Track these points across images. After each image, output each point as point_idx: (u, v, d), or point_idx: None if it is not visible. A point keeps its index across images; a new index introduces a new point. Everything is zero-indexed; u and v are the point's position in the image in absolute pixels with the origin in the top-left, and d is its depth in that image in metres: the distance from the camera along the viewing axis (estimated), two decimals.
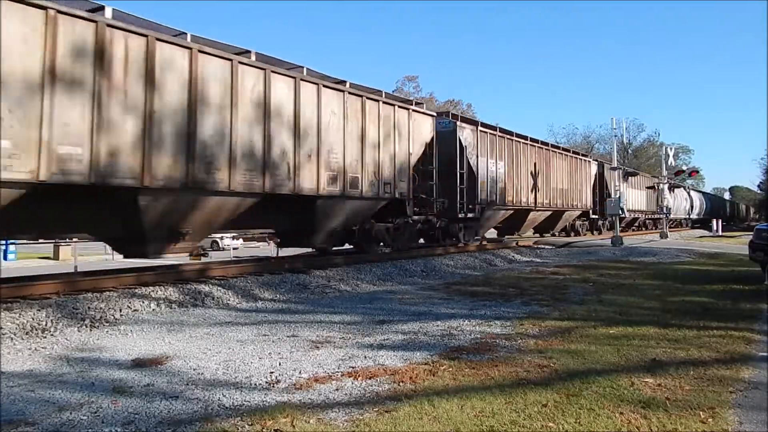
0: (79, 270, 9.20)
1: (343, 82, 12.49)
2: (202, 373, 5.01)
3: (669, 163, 36.59)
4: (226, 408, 4.12)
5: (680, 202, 45.19)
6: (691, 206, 50.13)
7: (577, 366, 5.27)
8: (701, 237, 37.12)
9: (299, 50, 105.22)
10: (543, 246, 22.35)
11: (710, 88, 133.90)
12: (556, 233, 26.44)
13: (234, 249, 27.84)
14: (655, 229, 38.76)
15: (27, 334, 6.41)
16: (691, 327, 7.02)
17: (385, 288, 11.12)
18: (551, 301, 9.18)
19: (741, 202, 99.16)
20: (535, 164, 21.51)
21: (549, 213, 23.51)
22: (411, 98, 16.07)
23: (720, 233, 42.35)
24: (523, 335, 6.62)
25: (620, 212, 24.53)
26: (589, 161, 28.62)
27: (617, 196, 25.78)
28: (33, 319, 6.79)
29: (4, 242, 21.82)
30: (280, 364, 5.34)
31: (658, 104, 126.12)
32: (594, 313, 8.10)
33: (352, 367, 5.19)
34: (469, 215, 17.14)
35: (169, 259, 10.78)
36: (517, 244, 21.53)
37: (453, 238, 17.57)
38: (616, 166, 28.91)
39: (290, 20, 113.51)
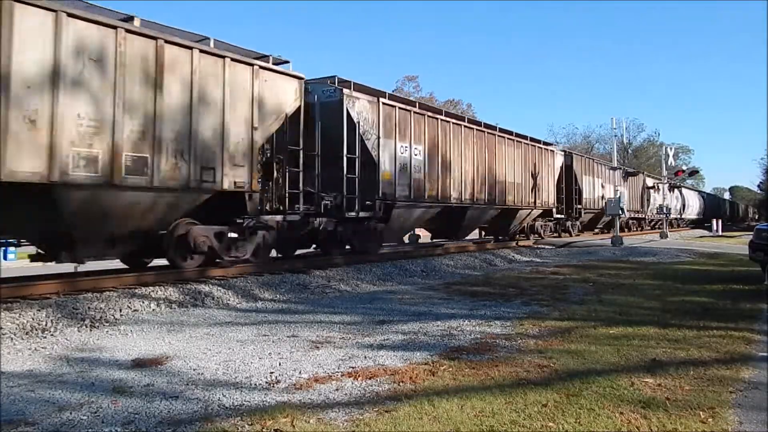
0: (79, 270, 9.18)
1: (130, 19, 8.67)
2: (202, 373, 5.01)
3: (669, 163, 36.57)
4: (226, 408, 4.12)
5: (669, 201, 40.93)
6: (684, 205, 47.91)
7: (577, 366, 5.27)
8: (701, 237, 37.10)
9: (299, 50, 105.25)
10: (543, 246, 22.35)
11: (710, 88, 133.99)
12: (517, 235, 22.71)
13: None
14: (640, 230, 37.12)
15: (27, 334, 6.41)
16: (691, 327, 7.03)
17: (385, 288, 11.12)
18: (551, 301, 9.18)
19: (741, 202, 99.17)
20: (475, 151, 17.63)
21: (496, 212, 19.45)
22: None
23: (720, 233, 42.34)
24: (523, 335, 6.62)
25: (620, 212, 24.50)
26: (553, 151, 24.21)
27: (617, 196, 25.74)
28: (33, 319, 6.79)
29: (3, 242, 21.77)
30: (280, 364, 5.34)
31: (658, 104, 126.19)
32: (594, 313, 8.10)
33: (352, 367, 5.19)
34: (364, 214, 13.26)
35: None
36: (517, 244, 21.49)
37: (347, 245, 13.74)
38: (616, 165, 28.86)
39: (290, 20, 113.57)
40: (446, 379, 4.83)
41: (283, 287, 10.09)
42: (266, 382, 4.75)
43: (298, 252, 13.91)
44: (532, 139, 22.14)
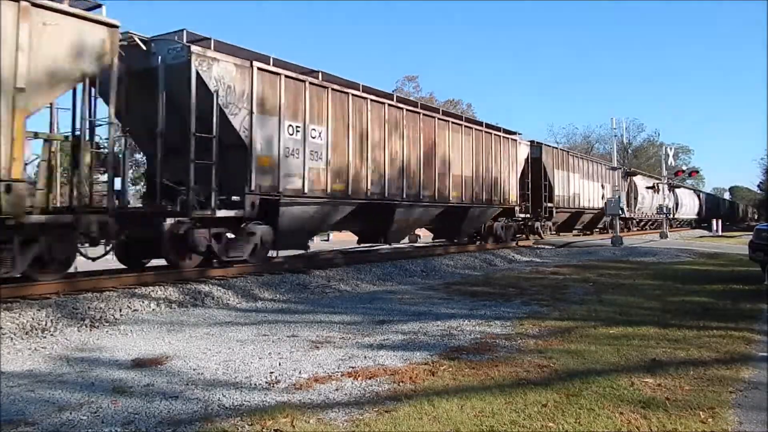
0: (79, 270, 9.17)
1: None
2: (202, 373, 5.01)
3: (669, 163, 36.57)
4: (226, 408, 4.12)
5: (660, 200, 38.72)
6: (677, 204, 45.65)
7: (577, 366, 5.27)
8: (701, 237, 37.13)
9: (300, 50, 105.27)
10: (543, 246, 22.33)
11: (711, 88, 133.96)
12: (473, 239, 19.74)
13: None
14: (627, 230, 33.97)
15: (27, 334, 6.41)
16: (691, 327, 7.02)
17: (385, 288, 11.12)
18: (551, 301, 9.18)
19: (741, 202, 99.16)
20: (408, 137, 14.64)
21: (438, 210, 16.31)
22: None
23: (720, 233, 42.35)
24: (523, 335, 6.62)
25: (620, 212, 24.46)
26: (516, 140, 20.73)
27: (617, 196, 25.69)
28: (33, 319, 6.79)
29: None
30: (280, 364, 5.34)
31: (658, 104, 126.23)
32: (594, 313, 8.10)
33: (352, 367, 5.19)
34: (225, 213, 10.12)
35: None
36: (517, 244, 21.45)
37: (209, 254, 10.22)
38: (616, 165, 28.72)
39: (290, 20, 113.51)
40: (446, 379, 4.83)
41: (282, 287, 10.09)
42: (266, 382, 4.75)
43: (296, 252, 13.02)
44: (488, 126, 19.07)
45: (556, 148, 24.35)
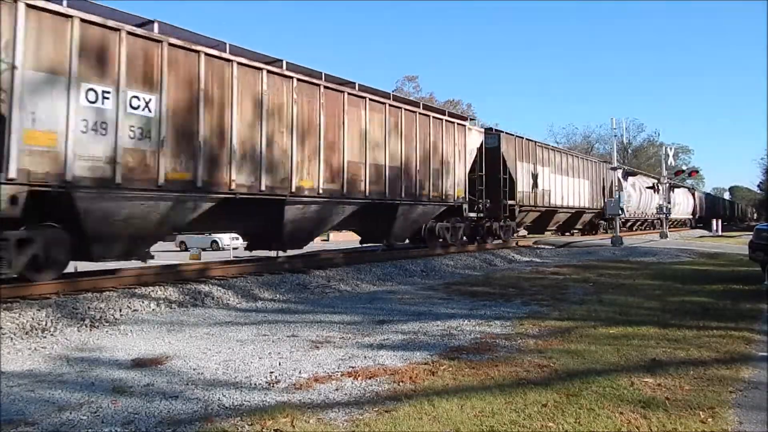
0: (78, 270, 9.17)
1: None
2: (201, 373, 5.01)
3: (669, 163, 36.54)
4: (226, 408, 4.12)
5: (649, 199, 36.40)
6: (669, 203, 43.24)
7: (577, 366, 5.27)
8: (701, 237, 37.12)
9: (300, 50, 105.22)
10: (543, 246, 22.34)
11: (711, 88, 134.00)
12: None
13: (234, 249, 27.83)
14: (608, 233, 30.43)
15: (27, 334, 6.41)
16: (691, 327, 7.02)
17: (385, 288, 11.12)
18: (551, 301, 9.18)
19: (741, 202, 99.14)
20: (305, 117, 11.57)
21: (353, 207, 13.00)
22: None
23: (719, 233, 42.35)
24: (523, 335, 6.62)
25: (620, 212, 24.42)
26: (464, 125, 17.44)
27: (617, 196, 25.64)
28: (33, 318, 6.79)
29: None
30: (279, 364, 5.34)
31: (658, 104, 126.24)
32: (594, 313, 8.10)
33: (352, 367, 5.19)
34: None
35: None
36: (517, 243, 21.42)
37: None
38: (615, 165, 28.62)
39: (290, 20, 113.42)
40: (446, 379, 4.83)
41: (282, 287, 10.10)
42: (266, 382, 4.75)
43: (297, 252, 12.67)
44: (426, 107, 16.23)
45: (520, 137, 20.51)
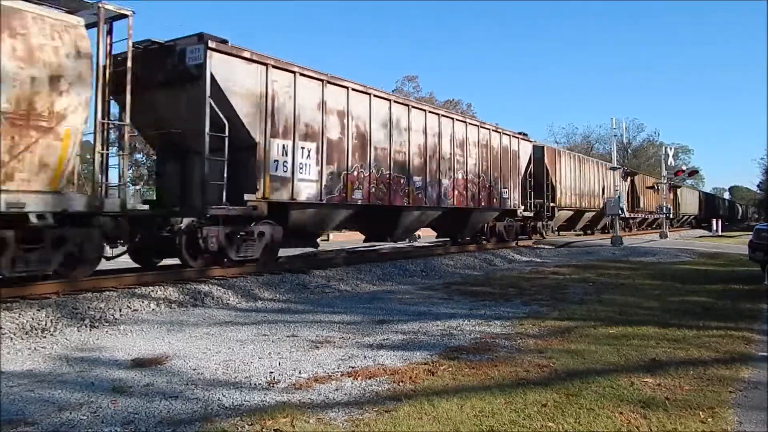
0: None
1: None
2: (201, 373, 5.01)
3: (669, 163, 36.53)
4: (226, 408, 4.12)
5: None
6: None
7: (577, 366, 5.27)
8: (701, 237, 37.12)
9: (300, 50, 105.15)
10: (543, 246, 22.33)
11: (711, 88, 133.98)
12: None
13: None
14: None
15: (27, 333, 6.41)
16: (691, 327, 7.03)
17: (385, 288, 11.12)
18: (551, 301, 9.18)
19: (741, 202, 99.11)
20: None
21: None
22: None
23: (719, 233, 42.35)
24: (523, 335, 6.62)
25: (620, 212, 24.44)
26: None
27: (617, 195, 25.68)
28: (33, 318, 6.78)
29: None
30: (279, 364, 5.34)
31: (658, 104, 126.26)
32: (594, 313, 8.10)
33: (352, 367, 5.19)
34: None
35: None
36: (516, 244, 21.43)
37: None
38: (615, 165, 28.63)
39: (290, 20, 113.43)
40: (446, 379, 4.83)
41: (282, 287, 10.09)
42: (266, 382, 4.75)
43: (297, 252, 13.38)
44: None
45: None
